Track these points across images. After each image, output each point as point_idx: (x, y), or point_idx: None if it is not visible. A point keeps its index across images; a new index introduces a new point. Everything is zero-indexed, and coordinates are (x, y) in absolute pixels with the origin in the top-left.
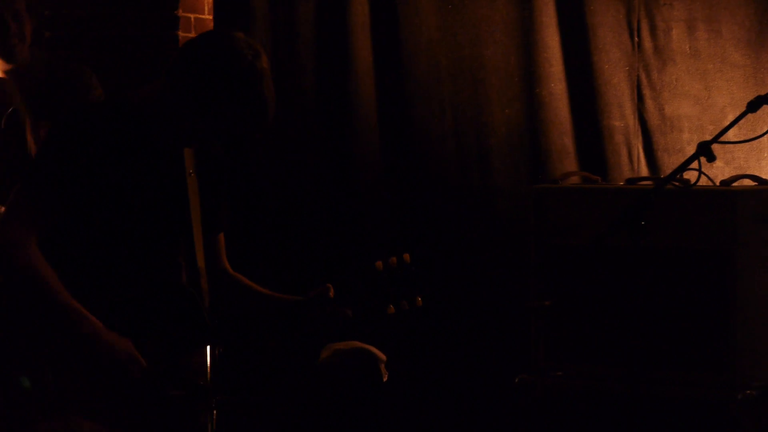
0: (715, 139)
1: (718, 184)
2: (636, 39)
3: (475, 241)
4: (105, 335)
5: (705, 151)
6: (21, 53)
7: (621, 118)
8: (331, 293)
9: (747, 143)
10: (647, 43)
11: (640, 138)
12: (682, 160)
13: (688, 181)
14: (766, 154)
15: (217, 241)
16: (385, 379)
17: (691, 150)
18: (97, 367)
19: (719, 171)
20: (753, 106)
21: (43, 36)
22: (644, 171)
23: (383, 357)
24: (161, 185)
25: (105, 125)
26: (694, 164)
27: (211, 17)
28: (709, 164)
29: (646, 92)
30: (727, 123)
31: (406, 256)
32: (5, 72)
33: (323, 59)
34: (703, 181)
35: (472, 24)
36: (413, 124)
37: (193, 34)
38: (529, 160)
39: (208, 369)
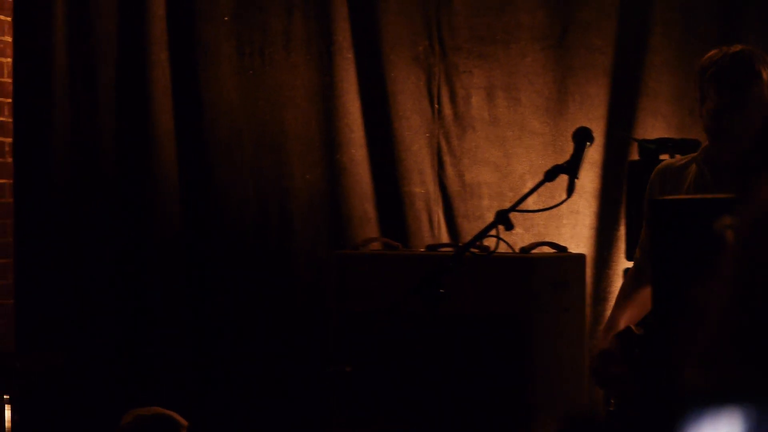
0: (513, 208)
1: (517, 251)
2: (436, 106)
3: (275, 306)
4: None
5: (503, 219)
6: None
7: (422, 185)
8: None
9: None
10: (447, 110)
11: (441, 204)
12: (483, 226)
13: (488, 248)
14: (564, 222)
15: None
16: None
17: (491, 216)
18: None
19: (519, 238)
20: (550, 174)
21: None
22: (445, 237)
23: (184, 423)
24: None
25: None
26: (494, 231)
27: (10, 81)
28: (508, 231)
29: (447, 159)
30: (526, 190)
31: None
32: None
33: (124, 123)
34: (503, 248)
35: (273, 89)
36: (215, 188)
37: None
38: (330, 226)
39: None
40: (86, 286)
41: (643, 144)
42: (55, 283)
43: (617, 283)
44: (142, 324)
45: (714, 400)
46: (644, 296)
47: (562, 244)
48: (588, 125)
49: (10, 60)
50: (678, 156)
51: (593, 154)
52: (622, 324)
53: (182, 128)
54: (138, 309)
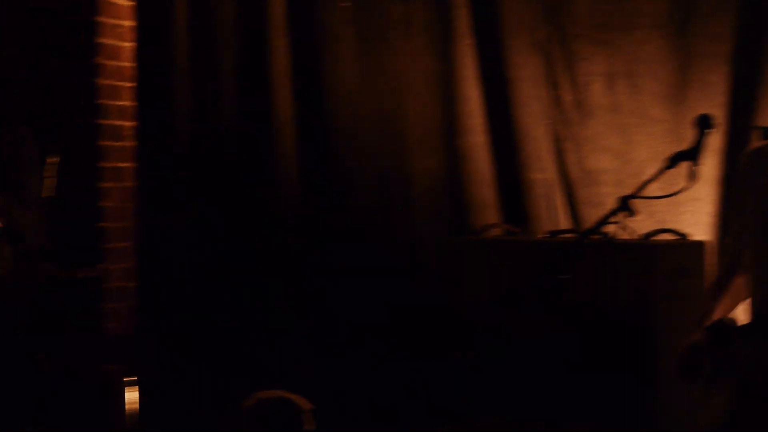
0: (635, 194)
1: (638, 237)
2: (557, 93)
3: (396, 292)
4: None
5: (626, 205)
6: None
7: (542, 171)
8: None
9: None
10: (567, 97)
11: (561, 191)
12: (603, 213)
13: (608, 234)
14: (685, 209)
15: None
16: (308, 428)
17: (611, 203)
18: None
19: (640, 224)
20: (671, 161)
21: None
22: (565, 224)
23: (308, 406)
24: None
25: None
26: (616, 217)
27: (130, 65)
28: (630, 218)
29: (567, 145)
30: (647, 177)
31: None
32: None
33: (244, 108)
34: (624, 235)
35: (393, 75)
36: (335, 174)
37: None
38: (450, 212)
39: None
40: (207, 270)
41: (765, 131)
42: (175, 266)
43: None
44: (263, 307)
45: None
46: (737, 285)
47: (683, 231)
48: (709, 112)
49: (129, 44)
50: None
51: (715, 141)
52: (717, 315)
53: (303, 114)
54: (258, 292)
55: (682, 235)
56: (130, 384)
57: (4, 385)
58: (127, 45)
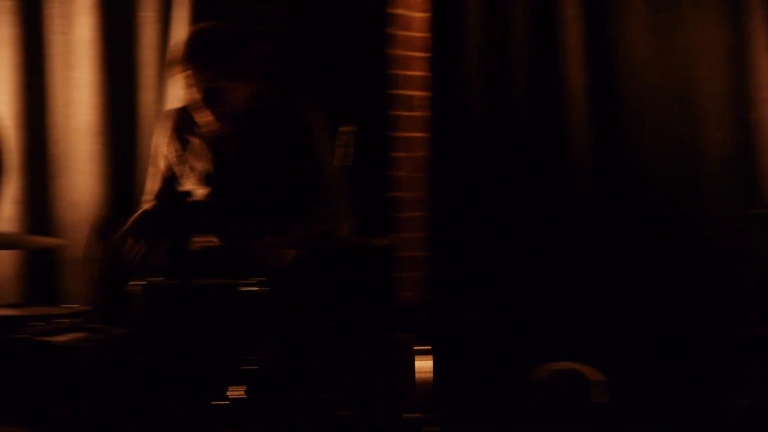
0: None
1: None
2: None
3: (685, 264)
4: None
5: None
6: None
7: None
8: None
9: None
10: None
11: None
12: None
13: None
14: None
15: None
16: (599, 400)
17: None
18: None
19: None
20: None
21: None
22: None
23: (598, 378)
24: None
25: None
26: None
27: (418, 35)
28: None
29: None
30: None
31: None
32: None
33: (535, 78)
34: None
35: (683, 47)
36: (624, 146)
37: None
38: (742, 185)
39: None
40: (497, 241)
41: None
42: (467, 236)
43: None
44: (553, 278)
45: None
46: None
47: None
48: None
49: (420, 15)
50: None
51: None
52: None
53: (593, 85)
54: (548, 264)
55: None
56: (421, 353)
57: (297, 351)
58: (418, 15)
